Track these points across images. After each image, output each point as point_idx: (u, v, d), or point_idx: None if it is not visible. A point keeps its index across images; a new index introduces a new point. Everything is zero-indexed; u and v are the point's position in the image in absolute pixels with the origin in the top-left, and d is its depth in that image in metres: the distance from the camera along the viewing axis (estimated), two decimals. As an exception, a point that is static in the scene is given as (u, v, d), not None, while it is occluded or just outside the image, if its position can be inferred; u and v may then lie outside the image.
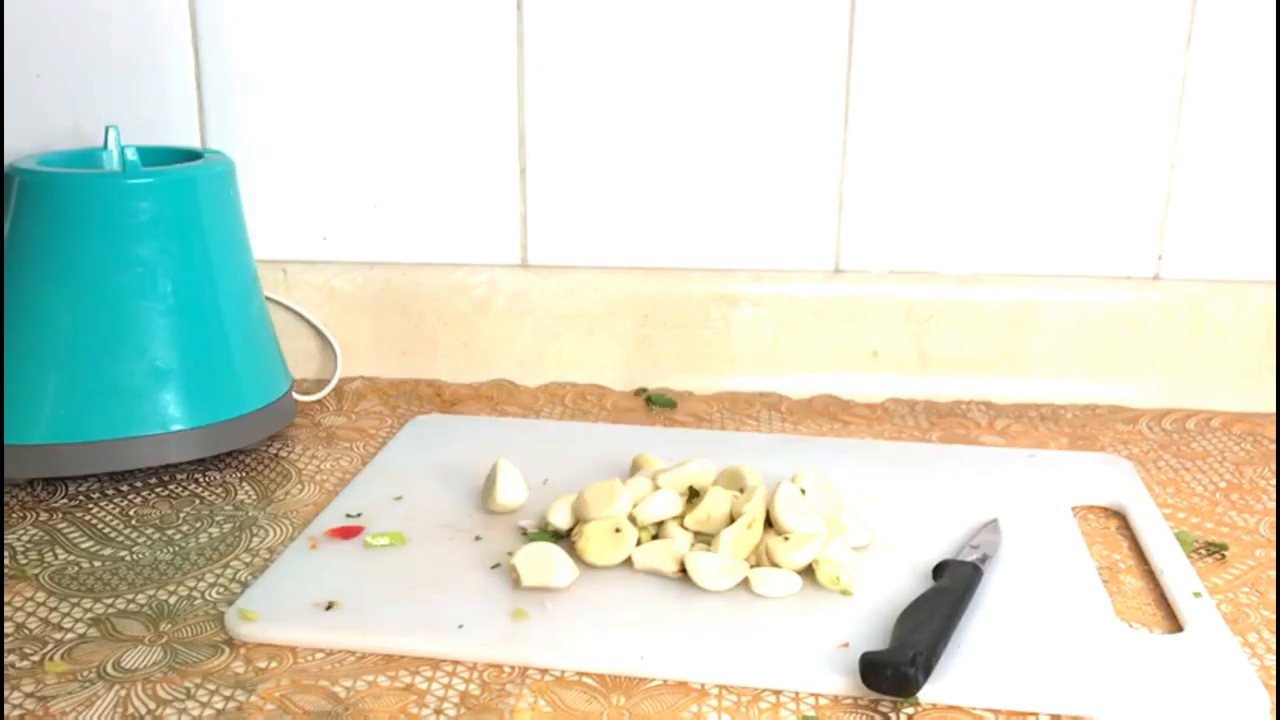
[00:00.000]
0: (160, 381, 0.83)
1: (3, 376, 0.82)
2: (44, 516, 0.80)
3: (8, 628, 0.67)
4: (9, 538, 0.77)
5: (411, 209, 1.02)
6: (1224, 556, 0.76)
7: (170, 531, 0.78)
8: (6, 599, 0.70)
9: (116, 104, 1.00)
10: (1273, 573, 0.74)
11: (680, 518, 0.74)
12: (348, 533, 0.76)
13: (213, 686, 0.62)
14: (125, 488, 0.84)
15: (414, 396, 1.02)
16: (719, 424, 0.97)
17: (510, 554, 0.71)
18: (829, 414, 0.99)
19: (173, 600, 0.70)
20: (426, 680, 0.62)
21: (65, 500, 0.82)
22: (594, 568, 0.72)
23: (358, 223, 1.03)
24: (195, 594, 0.71)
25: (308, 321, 1.04)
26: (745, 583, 0.69)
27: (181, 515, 0.81)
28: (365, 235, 1.03)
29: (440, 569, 0.72)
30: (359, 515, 0.79)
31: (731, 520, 0.73)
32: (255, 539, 0.77)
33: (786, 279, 1.01)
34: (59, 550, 0.76)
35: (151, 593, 0.71)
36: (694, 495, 0.75)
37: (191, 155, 0.91)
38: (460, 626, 0.65)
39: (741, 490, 0.76)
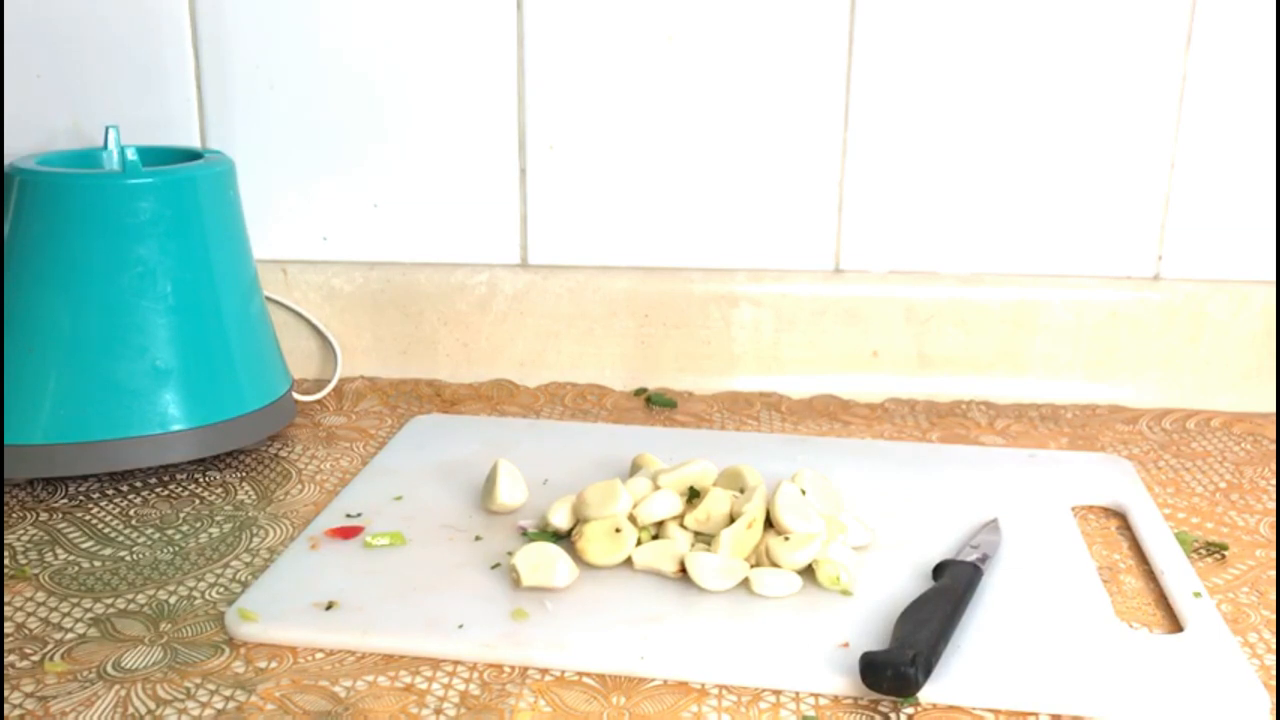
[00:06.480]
0: (160, 381, 0.83)
1: (3, 376, 0.82)
2: (44, 516, 0.80)
3: (8, 628, 0.67)
4: (9, 538, 0.77)
5: (411, 209, 1.02)
6: (1224, 556, 0.76)
7: (170, 531, 0.78)
8: (6, 599, 0.70)
9: (116, 104, 1.00)
10: (1273, 573, 0.74)
11: (680, 518, 0.74)
12: (348, 533, 0.76)
13: (213, 686, 0.62)
14: (125, 488, 0.84)
15: (414, 396, 1.02)
16: (719, 424, 0.97)
17: (510, 554, 0.71)
18: (829, 414, 0.99)
19: (173, 600, 0.70)
20: (426, 680, 0.62)
21: (65, 500, 0.82)
22: (594, 568, 0.72)
23: (358, 223, 1.03)
24: (195, 594, 0.71)
25: (308, 321, 1.04)
26: (745, 583, 0.69)
27: (181, 515, 0.81)
28: (365, 235, 1.03)
29: (440, 569, 0.72)
30: (359, 515, 0.79)
31: (731, 520, 0.73)
32: (255, 539, 0.77)
33: (786, 279, 1.01)
34: (59, 550, 0.76)
35: (151, 593, 0.71)
36: (694, 495, 0.75)
37: (191, 155, 0.91)
38: (460, 626, 0.65)
39: (741, 490, 0.76)
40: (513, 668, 0.63)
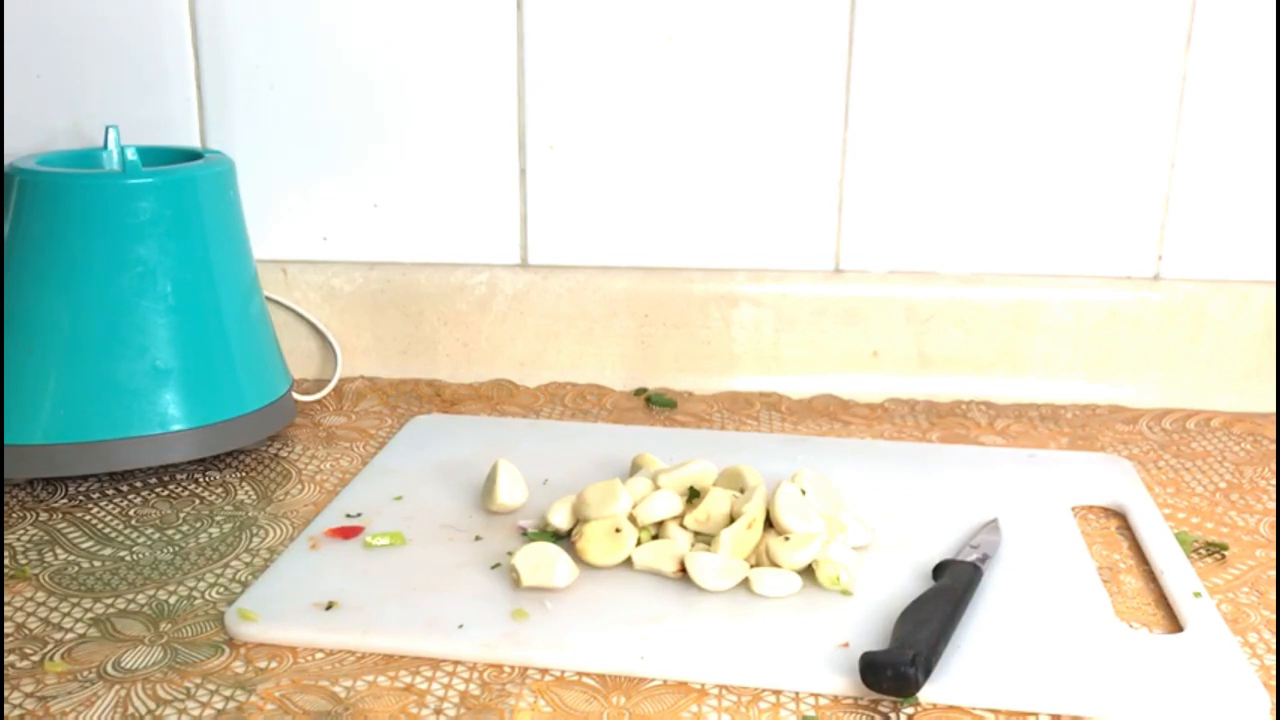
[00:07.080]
0: (160, 381, 0.83)
1: (3, 376, 0.82)
2: (44, 516, 0.80)
3: (8, 628, 0.67)
4: (9, 538, 0.77)
5: (411, 209, 1.02)
6: (1224, 556, 0.76)
7: (170, 531, 0.78)
8: (6, 599, 0.70)
9: (116, 104, 1.00)
10: (1273, 573, 0.74)
11: (680, 518, 0.74)
12: (348, 533, 0.76)
13: (213, 686, 0.62)
14: (125, 488, 0.84)
15: (414, 396, 1.02)
16: (719, 424, 0.97)
17: (510, 554, 0.71)
18: (829, 414, 0.99)
19: (173, 600, 0.70)
20: (426, 680, 0.62)
21: (65, 500, 0.82)
22: (594, 568, 0.72)
23: (358, 223, 1.03)
24: (195, 594, 0.71)
25: (308, 321, 1.04)
26: (745, 583, 0.69)
27: (181, 515, 0.81)
28: (365, 235, 1.03)
29: (440, 569, 0.72)
30: (359, 515, 0.79)
31: (731, 520, 0.73)
32: (255, 539, 0.77)
33: (786, 279, 1.01)
34: (59, 550, 0.76)
35: (151, 593, 0.71)
36: (694, 495, 0.75)
37: (191, 155, 0.91)
38: (460, 626, 0.65)
39: (741, 490, 0.76)
40: (513, 668, 0.63)
